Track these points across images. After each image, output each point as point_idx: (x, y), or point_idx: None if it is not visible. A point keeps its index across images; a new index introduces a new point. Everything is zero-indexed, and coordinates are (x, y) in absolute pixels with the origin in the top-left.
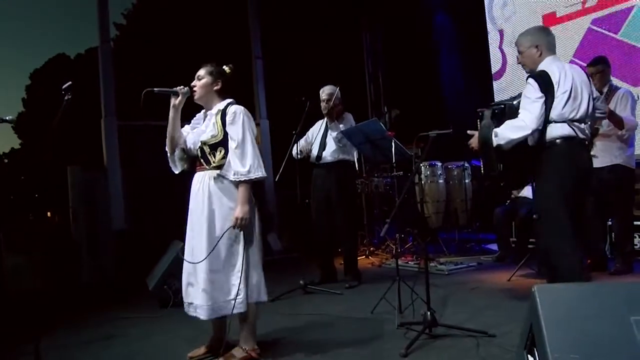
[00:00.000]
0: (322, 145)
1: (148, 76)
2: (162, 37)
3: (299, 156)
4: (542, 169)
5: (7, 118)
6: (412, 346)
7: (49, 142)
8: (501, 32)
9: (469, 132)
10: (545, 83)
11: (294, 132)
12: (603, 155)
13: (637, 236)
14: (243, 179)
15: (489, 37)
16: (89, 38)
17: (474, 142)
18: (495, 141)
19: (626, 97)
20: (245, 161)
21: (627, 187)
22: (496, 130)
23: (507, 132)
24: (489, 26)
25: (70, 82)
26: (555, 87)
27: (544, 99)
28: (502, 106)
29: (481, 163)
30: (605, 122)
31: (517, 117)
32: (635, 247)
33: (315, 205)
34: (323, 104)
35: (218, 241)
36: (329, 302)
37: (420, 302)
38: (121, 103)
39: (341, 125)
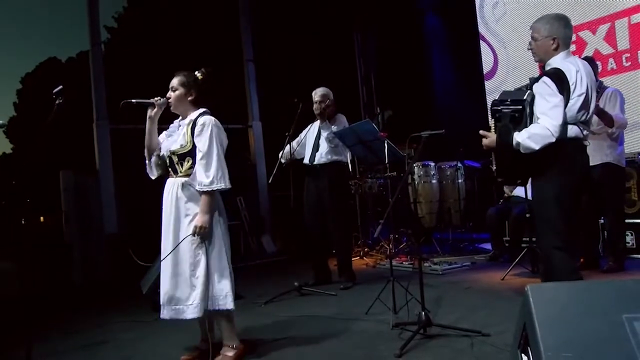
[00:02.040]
0: (315, 147)
1: (140, 79)
2: (154, 40)
3: (290, 156)
4: (547, 167)
5: None
6: (406, 346)
7: (40, 146)
8: (492, 33)
9: (481, 132)
10: (561, 83)
11: (286, 134)
12: (594, 154)
13: (629, 234)
14: (205, 189)
15: (480, 37)
16: (80, 41)
17: (489, 144)
18: (518, 147)
19: (615, 96)
20: (209, 172)
21: (618, 185)
22: (518, 139)
23: (530, 143)
24: (480, 27)
25: (61, 86)
26: (572, 87)
27: (563, 101)
28: (520, 107)
29: (494, 162)
30: (595, 120)
31: (533, 120)
32: (627, 244)
33: (308, 207)
34: (315, 105)
35: (178, 244)
36: (323, 303)
37: (415, 302)
38: (113, 106)
39: (334, 127)
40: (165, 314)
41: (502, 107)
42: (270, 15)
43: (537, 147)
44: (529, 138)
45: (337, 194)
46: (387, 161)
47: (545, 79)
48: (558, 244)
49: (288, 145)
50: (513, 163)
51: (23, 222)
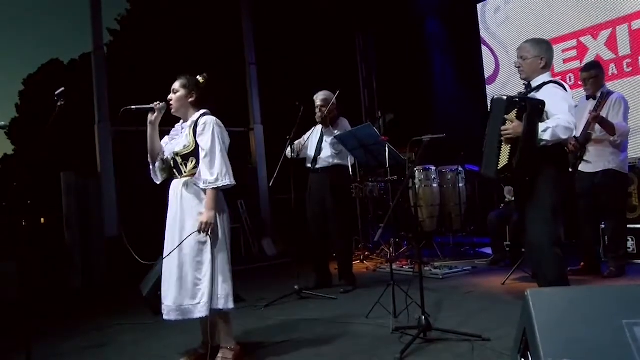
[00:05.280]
0: (318, 151)
1: (141, 82)
2: (156, 43)
3: (292, 155)
4: (548, 166)
5: (0, 124)
6: (407, 351)
7: (42, 147)
8: (494, 37)
9: (506, 116)
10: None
11: (287, 137)
12: (597, 161)
13: (630, 239)
14: (211, 187)
15: (481, 41)
16: (83, 44)
17: (515, 130)
18: (542, 135)
19: (619, 103)
20: (213, 169)
21: (620, 191)
22: (549, 126)
23: (559, 132)
24: (482, 31)
25: (63, 88)
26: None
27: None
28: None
29: (509, 153)
30: (598, 127)
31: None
32: (628, 250)
33: (310, 210)
34: (317, 110)
35: (182, 241)
36: (323, 307)
37: (415, 306)
38: (115, 109)
39: (336, 131)
40: (171, 315)
41: (525, 98)
42: (272, 19)
43: (564, 137)
44: (557, 127)
45: (339, 197)
46: (388, 165)
47: (554, 85)
48: (552, 236)
49: (290, 147)
50: (529, 157)
51: (23, 223)
